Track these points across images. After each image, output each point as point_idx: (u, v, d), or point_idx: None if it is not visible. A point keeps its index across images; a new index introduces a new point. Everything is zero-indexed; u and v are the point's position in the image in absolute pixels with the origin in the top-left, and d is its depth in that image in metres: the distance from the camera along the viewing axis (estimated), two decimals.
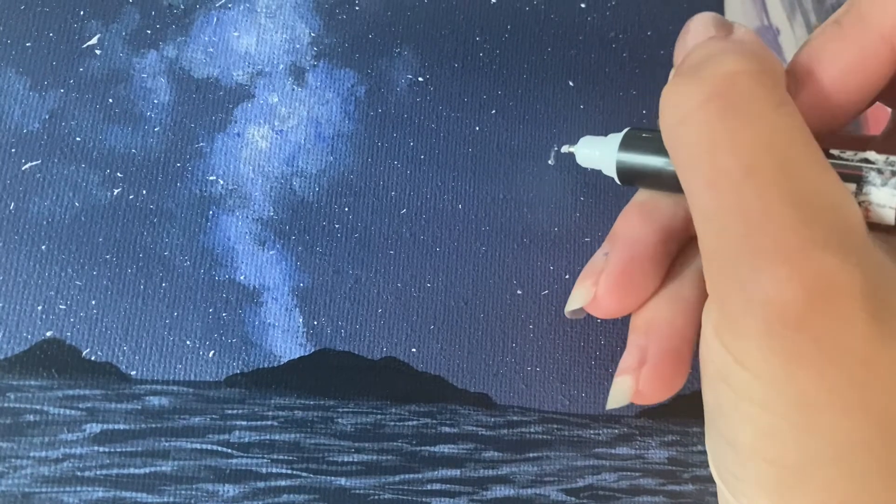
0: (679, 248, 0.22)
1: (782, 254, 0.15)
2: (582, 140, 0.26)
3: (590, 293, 0.22)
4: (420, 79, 0.31)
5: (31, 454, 0.25)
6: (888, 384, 0.15)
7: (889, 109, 0.22)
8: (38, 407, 0.26)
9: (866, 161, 0.18)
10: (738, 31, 0.20)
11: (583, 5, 0.33)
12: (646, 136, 0.22)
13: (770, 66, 0.18)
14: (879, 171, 0.18)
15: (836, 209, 0.16)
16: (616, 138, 0.23)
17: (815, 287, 0.15)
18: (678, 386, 0.21)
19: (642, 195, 0.23)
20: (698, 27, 0.21)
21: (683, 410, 0.30)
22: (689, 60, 0.19)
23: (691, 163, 0.18)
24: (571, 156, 0.26)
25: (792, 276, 0.15)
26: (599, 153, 0.24)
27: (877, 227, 0.18)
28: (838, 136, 0.23)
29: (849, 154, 0.18)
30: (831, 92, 0.19)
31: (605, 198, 0.31)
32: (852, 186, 0.18)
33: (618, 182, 0.23)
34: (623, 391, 0.21)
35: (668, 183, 0.21)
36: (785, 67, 0.20)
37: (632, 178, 0.23)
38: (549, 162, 0.30)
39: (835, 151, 0.19)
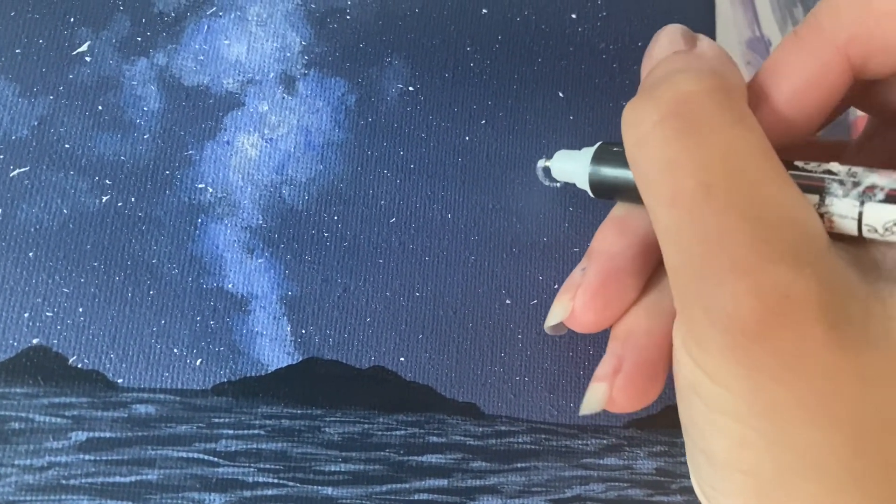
0: (658, 260, 0.22)
1: (739, 269, 0.16)
2: (557, 154, 0.26)
3: (567, 308, 0.22)
4: (410, 88, 0.31)
5: (16, 462, 0.25)
6: (851, 393, 0.16)
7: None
8: (23, 414, 0.26)
9: (829, 172, 0.18)
10: (701, 45, 0.20)
11: (573, 16, 0.33)
12: (617, 150, 0.22)
13: (728, 81, 0.18)
14: (841, 183, 0.18)
15: (794, 223, 0.16)
16: (588, 152, 0.23)
17: (771, 300, 0.15)
18: (652, 396, 0.21)
19: (619, 210, 0.23)
20: (665, 40, 0.21)
21: (671, 421, 0.30)
22: (650, 78, 0.19)
23: (650, 182, 0.18)
24: (548, 166, 0.27)
25: (749, 290, 0.16)
26: (573, 167, 0.25)
27: (840, 238, 0.18)
28: (815, 144, 0.23)
29: (812, 165, 0.18)
30: (790, 106, 0.19)
31: (593, 208, 0.31)
32: (815, 198, 0.18)
33: (591, 195, 0.24)
34: (596, 398, 0.21)
35: (639, 196, 0.21)
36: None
37: (605, 192, 0.23)
38: (546, 183, 0.30)
39: (799, 163, 0.19)
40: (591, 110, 0.32)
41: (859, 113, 0.36)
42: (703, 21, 0.35)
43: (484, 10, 0.33)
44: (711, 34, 0.35)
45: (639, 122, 0.18)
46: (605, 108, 0.32)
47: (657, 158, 0.17)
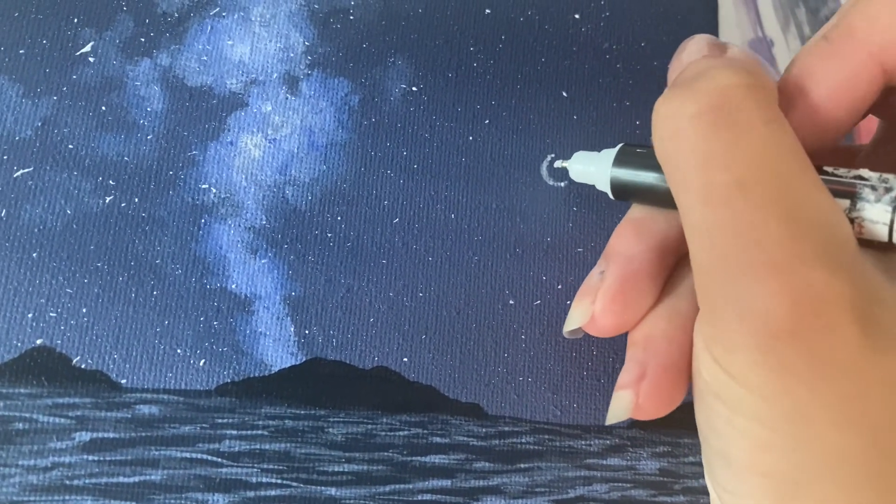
0: (675, 264, 0.22)
1: (773, 268, 0.16)
2: (575, 155, 0.26)
3: (587, 312, 0.21)
4: (414, 88, 0.31)
5: (20, 462, 0.25)
6: (879, 397, 0.15)
7: (877, 119, 0.22)
8: (27, 415, 0.26)
9: (860, 178, 0.18)
10: (732, 50, 0.20)
11: (577, 16, 0.33)
12: (640, 151, 0.22)
13: (763, 81, 0.18)
14: (873, 188, 0.18)
15: (827, 225, 0.16)
16: (610, 154, 0.23)
17: (804, 301, 0.15)
18: (678, 400, 0.21)
19: (636, 211, 0.23)
20: (693, 47, 0.21)
21: (675, 421, 0.30)
22: (683, 76, 0.19)
23: (684, 177, 0.18)
24: (564, 168, 0.27)
25: (782, 290, 0.15)
26: (594, 169, 0.24)
27: (869, 244, 0.18)
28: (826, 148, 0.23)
29: (843, 171, 0.18)
30: (821, 110, 0.19)
31: (597, 208, 0.31)
32: (846, 203, 0.18)
33: (611, 197, 0.23)
34: (623, 406, 0.21)
35: (662, 199, 0.21)
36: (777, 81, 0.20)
37: (626, 194, 0.23)
38: (550, 183, 0.30)
39: (829, 168, 0.19)
40: (594, 110, 0.32)
41: None
42: (705, 21, 0.35)
43: (487, 11, 0.33)
44: (714, 34, 0.35)
45: (674, 114, 0.18)
46: (608, 108, 0.32)
47: (692, 152, 0.17)
